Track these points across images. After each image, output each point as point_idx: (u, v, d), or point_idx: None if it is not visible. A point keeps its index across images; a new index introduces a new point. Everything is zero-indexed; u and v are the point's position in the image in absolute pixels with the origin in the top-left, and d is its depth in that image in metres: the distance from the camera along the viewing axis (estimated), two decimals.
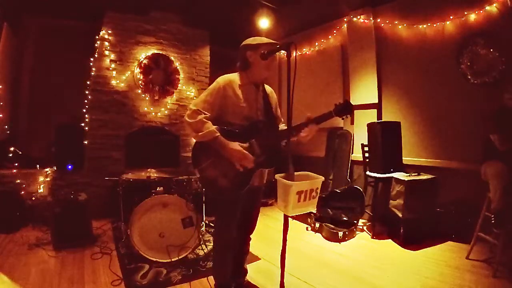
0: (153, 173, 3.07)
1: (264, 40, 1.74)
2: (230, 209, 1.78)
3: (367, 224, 3.63)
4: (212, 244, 2.93)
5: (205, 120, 1.63)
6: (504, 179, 2.37)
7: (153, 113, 4.36)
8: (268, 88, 1.92)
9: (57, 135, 3.70)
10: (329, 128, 4.45)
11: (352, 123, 4.20)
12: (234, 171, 1.66)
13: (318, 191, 1.48)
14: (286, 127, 1.71)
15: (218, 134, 1.62)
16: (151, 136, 4.30)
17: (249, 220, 1.95)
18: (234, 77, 1.78)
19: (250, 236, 2.05)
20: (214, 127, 1.62)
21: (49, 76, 4.21)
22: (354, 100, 4.11)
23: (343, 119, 1.70)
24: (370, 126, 3.47)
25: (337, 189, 3.73)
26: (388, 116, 3.86)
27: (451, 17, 3.25)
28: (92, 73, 4.00)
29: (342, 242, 3.12)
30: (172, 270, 2.36)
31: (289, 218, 1.46)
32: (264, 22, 4.50)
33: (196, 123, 1.62)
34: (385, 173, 3.25)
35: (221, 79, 1.75)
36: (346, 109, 1.63)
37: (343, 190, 3.70)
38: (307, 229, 3.53)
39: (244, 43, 1.78)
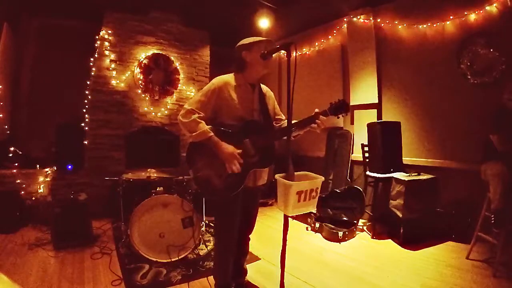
0: (153, 173, 3.08)
1: (258, 38, 1.75)
2: (229, 211, 1.78)
3: (367, 224, 3.63)
4: (212, 244, 2.94)
5: (198, 120, 1.65)
6: (504, 179, 2.37)
7: (153, 113, 4.36)
8: (264, 88, 1.91)
9: (57, 135, 3.69)
10: (329, 128, 4.45)
11: (352, 123, 4.20)
12: (227, 172, 1.66)
13: (318, 191, 1.48)
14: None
15: (212, 134, 1.63)
16: (151, 136, 4.30)
17: (247, 220, 1.94)
18: (229, 78, 1.79)
19: (249, 236, 2.05)
20: (207, 127, 1.64)
21: (49, 76, 4.21)
22: (354, 100, 4.11)
23: (338, 117, 1.68)
24: (370, 126, 3.47)
25: (337, 189, 3.73)
26: (388, 116, 3.86)
27: (451, 17, 3.25)
28: (92, 73, 4.01)
29: (342, 242, 3.12)
30: (172, 270, 2.36)
31: (289, 218, 1.46)
32: (264, 22, 4.50)
33: (190, 123, 1.64)
34: (385, 173, 3.24)
35: (216, 80, 1.76)
36: (342, 108, 1.61)
37: (343, 190, 3.70)
38: (307, 229, 3.53)
39: (238, 44, 1.78)
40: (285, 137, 1.57)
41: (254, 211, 1.99)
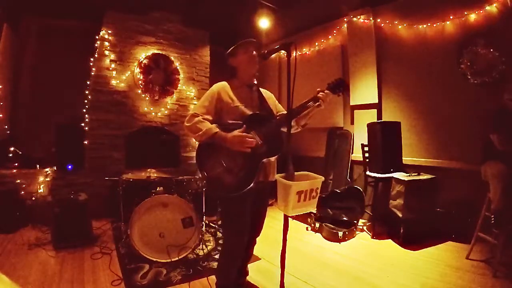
0: (153, 173, 3.08)
1: (240, 42, 1.80)
2: (238, 210, 1.75)
3: (367, 224, 3.63)
4: (212, 244, 2.94)
5: (202, 120, 1.68)
6: (504, 179, 2.37)
7: (153, 113, 4.36)
8: (263, 90, 1.96)
9: (57, 135, 3.69)
10: (329, 128, 4.45)
11: (352, 123, 4.20)
12: (238, 166, 1.66)
13: (318, 191, 1.48)
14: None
15: (217, 130, 1.65)
16: (151, 136, 4.30)
17: (255, 221, 1.91)
18: (227, 83, 1.85)
19: (256, 239, 2.03)
20: (212, 125, 1.67)
21: (49, 76, 4.21)
22: (354, 100, 4.11)
23: (338, 95, 1.73)
24: (370, 126, 3.47)
25: (337, 189, 3.73)
26: (388, 116, 3.86)
27: (451, 17, 3.25)
28: (92, 73, 4.00)
29: (342, 242, 3.12)
30: (172, 270, 2.36)
31: (289, 218, 1.46)
32: (264, 22, 4.51)
33: (194, 124, 1.67)
34: (385, 173, 3.24)
35: (215, 86, 1.83)
36: (340, 86, 1.67)
37: (343, 190, 3.70)
38: (307, 229, 3.53)
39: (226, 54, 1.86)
40: (286, 131, 1.58)
41: (263, 211, 1.98)
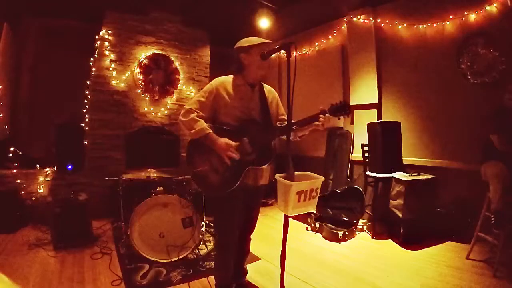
0: (153, 173, 3.07)
1: (256, 40, 1.74)
2: (227, 209, 1.78)
3: (367, 224, 3.63)
4: (212, 244, 2.94)
5: (197, 118, 1.68)
6: (504, 180, 2.37)
7: (153, 113, 4.36)
8: (267, 88, 1.91)
9: (57, 135, 3.69)
10: (329, 128, 4.45)
11: (352, 123, 4.20)
12: (224, 167, 1.67)
13: (318, 191, 1.48)
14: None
15: (210, 131, 1.65)
16: (151, 136, 4.30)
17: (248, 219, 1.95)
18: (228, 79, 1.81)
19: (250, 236, 2.05)
20: (206, 125, 1.67)
21: (49, 76, 4.21)
22: (354, 100, 4.11)
23: (339, 119, 1.67)
24: (370, 126, 3.47)
25: (337, 189, 3.73)
26: (388, 116, 3.86)
27: (451, 17, 3.25)
28: (92, 73, 4.00)
29: (342, 242, 3.12)
30: (172, 270, 2.36)
31: (289, 218, 1.46)
32: (264, 22, 4.50)
33: (189, 121, 1.68)
34: (385, 173, 3.25)
35: (214, 82, 1.79)
36: (342, 110, 1.56)
37: (343, 190, 3.70)
38: (307, 229, 3.53)
39: (236, 45, 1.78)
40: (286, 136, 1.56)
41: (254, 211, 1.99)
